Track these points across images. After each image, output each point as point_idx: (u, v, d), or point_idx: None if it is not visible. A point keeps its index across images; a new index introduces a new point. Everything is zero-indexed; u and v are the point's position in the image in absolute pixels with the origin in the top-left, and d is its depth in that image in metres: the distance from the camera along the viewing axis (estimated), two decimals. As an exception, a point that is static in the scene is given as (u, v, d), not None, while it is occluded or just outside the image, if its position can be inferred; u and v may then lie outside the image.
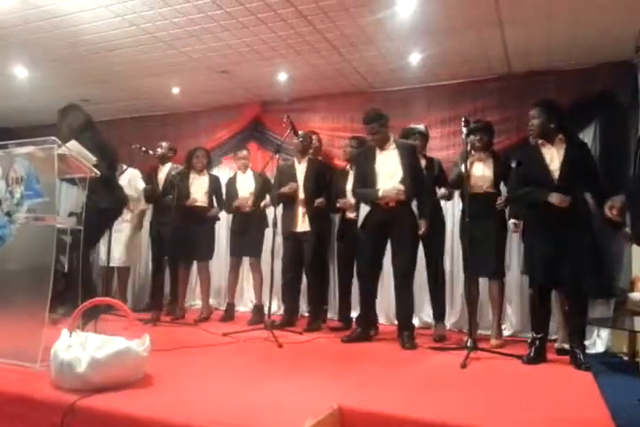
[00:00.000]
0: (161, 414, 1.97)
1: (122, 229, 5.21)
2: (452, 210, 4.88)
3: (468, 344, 3.43)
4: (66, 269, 3.32)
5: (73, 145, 3.19)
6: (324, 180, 4.64)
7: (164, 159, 5.27)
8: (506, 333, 4.47)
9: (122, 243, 5.20)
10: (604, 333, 4.19)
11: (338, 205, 4.50)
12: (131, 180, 5.27)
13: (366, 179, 3.96)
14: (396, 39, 4.34)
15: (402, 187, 3.82)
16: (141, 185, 5.30)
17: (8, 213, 2.91)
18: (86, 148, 3.27)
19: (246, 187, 5.04)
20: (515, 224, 3.96)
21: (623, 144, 4.29)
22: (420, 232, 3.86)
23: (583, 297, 3.35)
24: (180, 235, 4.85)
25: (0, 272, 2.89)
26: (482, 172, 4.00)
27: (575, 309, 3.36)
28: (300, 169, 4.67)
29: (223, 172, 6.05)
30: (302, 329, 4.36)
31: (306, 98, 5.81)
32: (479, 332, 4.23)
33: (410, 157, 3.91)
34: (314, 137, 4.94)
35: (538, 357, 3.32)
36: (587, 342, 4.15)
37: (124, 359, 2.30)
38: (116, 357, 2.27)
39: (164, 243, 4.90)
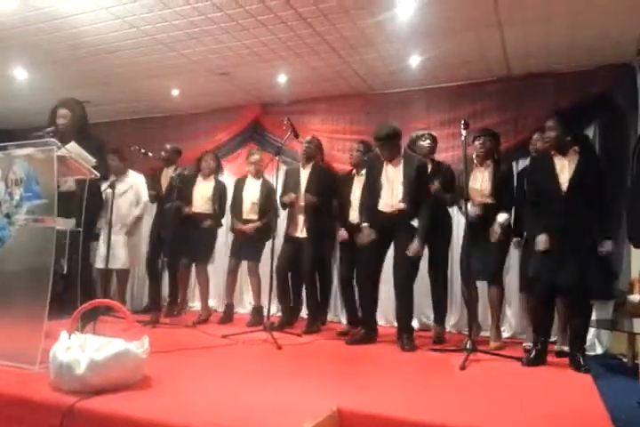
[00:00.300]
0: (160, 415, 1.97)
1: (121, 232, 5.19)
2: (457, 215, 4.81)
3: (468, 346, 3.43)
4: (65, 271, 3.32)
5: (72, 147, 3.19)
6: (327, 186, 4.60)
7: (168, 162, 5.25)
8: (505, 335, 4.47)
9: (121, 245, 5.19)
10: (604, 335, 4.19)
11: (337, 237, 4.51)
12: (133, 184, 5.26)
13: (372, 189, 3.99)
14: (395, 41, 4.35)
15: (401, 205, 3.85)
16: (143, 190, 5.26)
17: (7, 215, 2.91)
18: (86, 147, 3.28)
19: (251, 195, 4.96)
20: (518, 242, 3.96)
21: (622, 147, 4.30)
22: (409, 253, 3.78)
23: (587, 301, 3.34)
24: (179, 237, 4.86)
25: (-1, 274, 2.89)
26: (480, 184, 3.97)
27: (578, 312, 3.34)
28: (304, 175, 4.65)
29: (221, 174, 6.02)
30: (301, 331, 4.36)
31: (305, 100, 5.82)
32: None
33: (415, 173, 3.87)
34: (317, 142, 4.83)
35: (538, 359, 3.31)
36: (586, 344, 4.16)
37: (123, 361, 2.30)
38: (115, 359, 2.27)
39: (164, 245, 4.90)
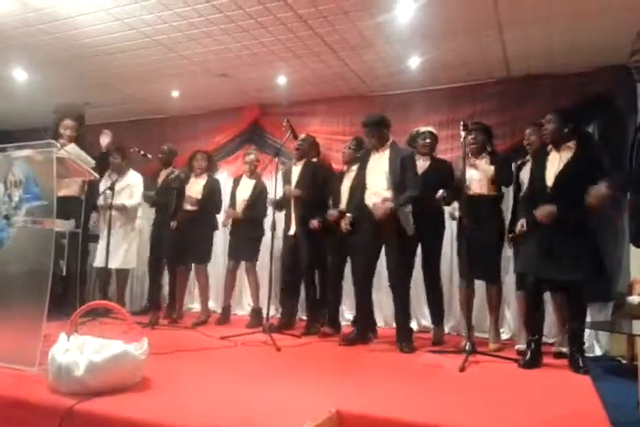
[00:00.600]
0: (159, 417, 1.97)
1: (120, 233, 5.18)
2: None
3: (467, 348, 3.43)
4: (64, 273, 3.33)
5: (72, 148, 3.20)
6: (318, 182, 4.60)
7: (165, 163, 5.27)
8: (504, 336, 4.47)
9: (120, 245, 5.17)
10: (603, 336, 4.19)
11: (327, 217, 4.44)
12: (130, 184, 5.19)
13: (360, 184, 4.01)
14: (395, 43, 4.36)
15: (386, 193, 3.85)
16: (138, 189, 5.22)
17: (6, 217, 2.91)
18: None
19: (243, 193, 5.03)
20: (522, 225, 3.94)
21: (621, 147, 4.29)
22: (376, 215, 3.77)
23: (582, 301, 3.34)
24: (178, 238, 4.86)
25: (-2, 275, 2.89)
26: (478, 175, 3.97)
27: (574, 312, 3.34)
28: (295, 172, 4.68)
29: (221, 175, 6.02)
30: (301, 333, 4.36)
31: (305, 101, 5.82)
32: (477, 335, 4.22)
33: (401, 162, 3.87)
34: (311, 140, 4.87)
35: (534, 360, 3.31)
36: (585, 346, 4.15)
37: (121, 363, 2.30)
38: (114, 360, 2.27)
39: (164, 245, 4.90)
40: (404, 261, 3.89)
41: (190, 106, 6.26)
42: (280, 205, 4.64)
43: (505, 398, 2.57)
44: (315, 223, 4.44)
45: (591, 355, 4.06)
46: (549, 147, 3.48)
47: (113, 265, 4.97)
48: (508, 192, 4.15)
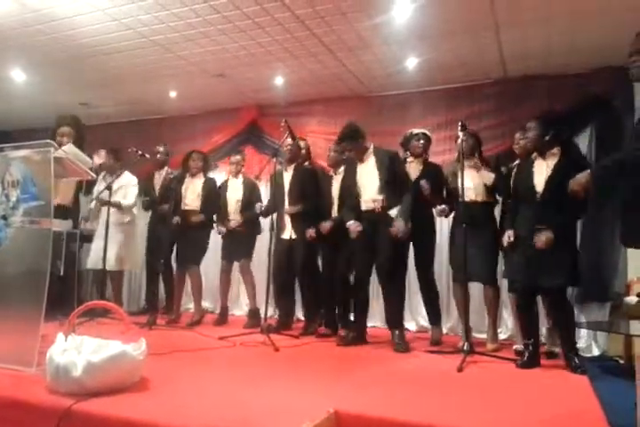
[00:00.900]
0: (157, 417, 1.97)
1: (115, 234, 5.13)
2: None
3: (465, 348, 3.43)
4: (62, 273, 3.32)
5: (69, 148, 3.19)
6: (310, 186, 4.59)
7: (159, 164, 5.26)
8: (501, 336, 4.47)
9: (115, 247, 5.11)
10: (600, 336, 4.20)
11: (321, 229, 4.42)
12: (124, 184, 5.10)
13: (351, 190, 4.05)
14: (392, 44, 4.36)
15: (380, 197, 3.87)
16: (133, 191, 5.15)
17: (4, 217, 2.90)
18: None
19: (235, 194, 5.02)
20: (509, 236, 3.95)
21: (618, 148, 4.30)
22: (396, 234, 3.77)
23: (566, 304, 3.37)
24: (175, 239, 4.87)
25: (-4, 276, 2.88)
26: (472, 181, 3.96)
27: (561, 316, 3.37)
28: (287, 177, 4.65)
29: (219, 176, 6.01)
30: (299, 333, 4.35)
31: (303, 102, 5.83)
32: (475, 335, 4.24)
33: (388, 164, 3.92)
34: (302, 143, 4.82)
35: (532, 361, 3.31)
36: (583, 346, 4.18)
37: (119, 363, 2.29)
38: (112, 361, 2.26)
39: (160, 246, 4.89)
40: (393, 257, 3.87)
41: (188, 106, 6.26)
42: (268, 212, 4.60)
43: (503, 398, 2.57)
44: (311, 233, 4.45)
45: (589, 355, 4.07)
46: (534, 155, 3.48)
47: (108, 267, 4.94)
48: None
